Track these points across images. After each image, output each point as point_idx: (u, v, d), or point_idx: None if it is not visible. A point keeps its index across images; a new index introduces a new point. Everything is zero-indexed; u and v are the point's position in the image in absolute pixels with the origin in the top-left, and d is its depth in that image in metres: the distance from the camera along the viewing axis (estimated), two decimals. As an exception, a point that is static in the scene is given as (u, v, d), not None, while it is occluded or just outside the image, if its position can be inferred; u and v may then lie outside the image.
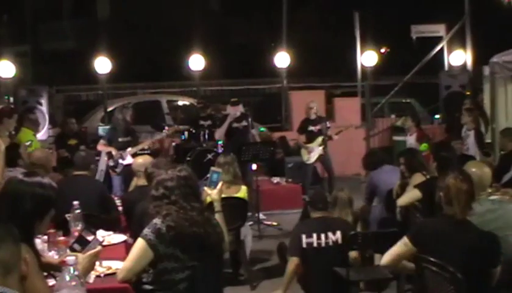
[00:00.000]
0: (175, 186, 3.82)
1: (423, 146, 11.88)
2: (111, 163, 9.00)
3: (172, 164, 5.42)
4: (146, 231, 3.72)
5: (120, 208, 6.20)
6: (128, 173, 8.85)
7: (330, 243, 5.60)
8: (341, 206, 6.37)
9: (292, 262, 5.66)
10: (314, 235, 5.60)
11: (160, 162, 5.72)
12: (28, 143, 8.46)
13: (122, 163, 8.96)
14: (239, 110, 9.92)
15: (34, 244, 3.39)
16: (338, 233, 5.63)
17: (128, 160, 8.84)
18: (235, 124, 9.85)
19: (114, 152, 9.02)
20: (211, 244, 3.83)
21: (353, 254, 5.69)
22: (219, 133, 10.10)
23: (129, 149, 9.06)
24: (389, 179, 6.97)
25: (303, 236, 5.61)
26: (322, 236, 5.62)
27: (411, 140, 10.84)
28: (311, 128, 10.56)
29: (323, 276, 5.60)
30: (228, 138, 10.03)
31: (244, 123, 9.85)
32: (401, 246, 3.96)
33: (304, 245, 5.60)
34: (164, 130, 10.27)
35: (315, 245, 5.60)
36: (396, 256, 4.00)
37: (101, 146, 9.25)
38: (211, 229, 3.86)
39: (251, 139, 9.86)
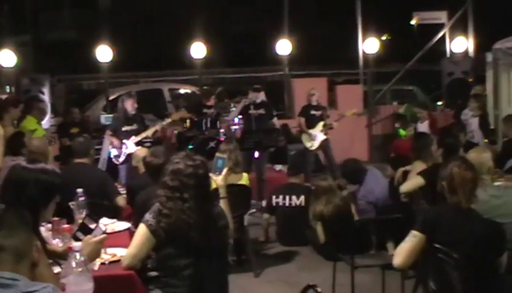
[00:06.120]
0: (191, 185, 3.70)
1: (402, 132, 11.95)
2: (115, 152, 9.05)
3: (168, 151, 5.32)
4: (148, 216, 3.70)
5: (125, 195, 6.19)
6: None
7: (293, 205, 7.42)
8: (326, 194, 6.65)
9: (265, 219, 7.67)
10: (281, 197, 7.51)
11: (158, 150, 5.43)
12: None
13: (125, 152, 8.99)
14: (259, 97, 9.88)
15: (39, 231, 3.39)
16: (302, 197, 7.38)
17: (131, 148, 8.85)
18: (251, 111, 9.83)
19: (116, 141, 9.06)
20: (211, 247, 3.72)
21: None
22: (231, 115, 10.52)
23: (133, 137, 9.08)
24: (379, 179, 7.34)
25: (274, 197, 7.55)
26: (287, 198, 7.47)
27: (422, 127, 11.10)
28: (313, 112, 10.58)
29: (289, 230, 7.36)
30: (243, 123, 10.13)
31: (261, 111, 9.80)
32: (410, 240, 3.74)
33: (274, 204, 7.51)
34: (167, 118, 10.19)
35: (281, 204, 7.49)
36: (408, 253, 3.73)
37: (108, 136, 9.35)
38: (214, 233, 3.75)
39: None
